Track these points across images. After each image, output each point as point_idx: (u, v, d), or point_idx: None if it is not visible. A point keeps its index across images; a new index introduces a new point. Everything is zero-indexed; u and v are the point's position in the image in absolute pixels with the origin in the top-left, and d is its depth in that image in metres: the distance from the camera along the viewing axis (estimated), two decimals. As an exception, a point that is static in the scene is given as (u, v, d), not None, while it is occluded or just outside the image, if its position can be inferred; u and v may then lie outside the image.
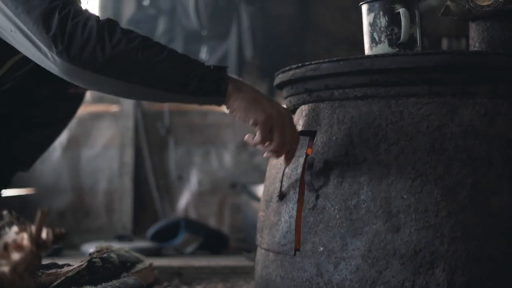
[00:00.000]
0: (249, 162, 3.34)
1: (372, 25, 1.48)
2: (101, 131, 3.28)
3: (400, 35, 1.45)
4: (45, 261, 1.52)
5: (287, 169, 1.49)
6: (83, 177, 3.25)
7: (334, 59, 1.42)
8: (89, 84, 1.37)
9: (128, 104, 3.26)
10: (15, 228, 1.16)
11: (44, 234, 1.13)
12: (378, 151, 1.35)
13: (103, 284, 1.47)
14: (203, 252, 2.80)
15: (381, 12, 1.47)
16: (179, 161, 3.32)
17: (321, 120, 1.44)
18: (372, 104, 1.38)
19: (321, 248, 1.36)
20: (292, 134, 1.40)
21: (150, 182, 3.27)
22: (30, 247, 1.12)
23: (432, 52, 1.35)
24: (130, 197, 3.22)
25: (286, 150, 1.40)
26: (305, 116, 1.49)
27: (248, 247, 2.71)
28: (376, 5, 1.47)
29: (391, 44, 1.46)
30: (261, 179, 2.66)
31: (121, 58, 1.30)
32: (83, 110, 3.20)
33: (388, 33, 1.46)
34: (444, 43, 3.19)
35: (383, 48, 1.47)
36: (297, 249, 1.41)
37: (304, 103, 1.52)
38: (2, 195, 2.02)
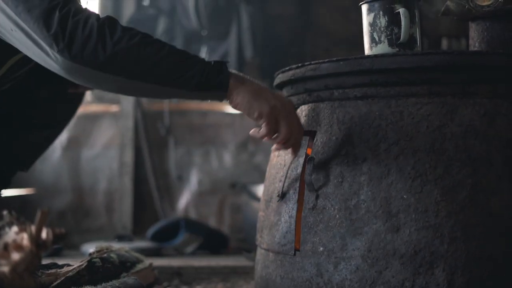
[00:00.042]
0: (249, 162, 3.34)
1: (372, 25, 1.48)
2: (101, 131, 3.28)
3: (400, 35, 1.45)
4: (45, 261, 1.52)
5: (287, 169, 1.49)
6: (83, 177, 3.25)
7: (334, 59, 1.42)
8: (91, 82, 1.38)
9: (128, 104, 3.26)
10: (15, 228, 1.16)
11: (44, 234, 1.13)
12: (378, 151, 1.35)
13: (103, 284, 1.47)
14: (203, 252, 2.80)
15: (381, 12, 1.47)
16: (179, 161, 3.32)
17: (321, 120, 1.44)
18: (372, 104, 1.38)
19: (321, 248, 1.36)
20: (297, 125, 1.40)
21: (150, 182, 3.27)
22: (30, 247, 1.12)
23: (432, 52, 1.35)
24: (130, 197, 3.22)
25: (294, 141, 1.40)
26: (305, 116, 1.49)
27: (248, 247, 2.71)
28: (376, 5, 1.47)
29: (391, 44, 1.46)
30: (261, 179, 2.66)
31: (123, 55, 1.30)
32: (83, 110, 3.20)
33: (388, 33, 1.46)
34: (444, 43, 3.20)
35: (383, 48, 1.47)
36: (297, 249, 1.41)
37: (304, 103, 1.52)
38: (2, 195, 2.02)
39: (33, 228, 1.13)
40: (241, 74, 1.41)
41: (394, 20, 1.45)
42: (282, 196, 1.47)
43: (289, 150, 1.44)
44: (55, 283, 1.42)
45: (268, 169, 1.62)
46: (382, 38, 1.47)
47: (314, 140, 1.43)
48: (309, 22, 3.43)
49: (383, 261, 1.30)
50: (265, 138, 1.39)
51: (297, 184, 1.43)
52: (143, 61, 1.32)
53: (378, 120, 1.36)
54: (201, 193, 3.31)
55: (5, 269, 1.12)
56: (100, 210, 3.24)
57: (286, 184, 1.47)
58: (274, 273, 1.47)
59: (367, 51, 1.52)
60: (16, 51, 1.55)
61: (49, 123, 1.96)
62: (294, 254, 1.41)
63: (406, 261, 1.29)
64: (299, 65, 1.49)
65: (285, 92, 1.61)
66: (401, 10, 1.44)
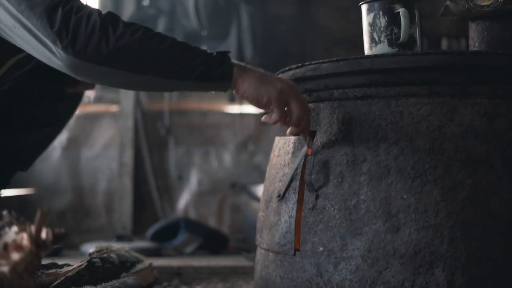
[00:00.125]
0: (249, 162, 3.34)
1: (372, 25, 1.48)
2: (101, 131, 3.28)
3: (400, 35, 1.45)
4: (45, 261, 1.52)
5: (287, 169, 1.49)
6: (83, 177, 3.25)
7: (334, 59, 1.42)
8: (95, 77, 1.38)
9: (128, 104, 3.26)
10: (15, 228, 1.16)
11: (43, 234, 1.13)
12: (378, 151, 1.35)
13: (103, 284, 1.47)
14: (202, 252, 2.80)
15: (380, 12, 1.47)
16: (179, 161, 3.32)
17: (321, 120, 1.44)
18: (372, 104, 1.38)
19: (321, 248, 1.36)
20: (306, 105, 1.40)
21: (150, 182, 3.27)
22: (30, 247, 1.12)
23: (432, 52, 1.35)
24: (130, 197, 3.22)
25: (306, 121, 1.40)
26: (305, 116, 1.49)
27: (247, 247, 2.71)
28: (376, 5, 1.47)
29: (390, 44, 1.46)
30: (260, 179, 2.66)
31: (125, 50, 1.31)
32: (83, 110, 3.21)
33: (388, 33, 1.46)
34: (444, 43, 3.20)
35: (382, 48, 1.47)
36: (296, 249, 1.41)
37: (304, 103, 1.52)
38: (2, 195, 2.02)
39: (33, 228, 1.13)
40: (243, 63, 1.41)
41: (394, 20, 1.46)
42: (282, 196, 1.47)
43: (290, 150, 1.43)
44: (55, 283, 1.42)
45: (268, 169, 1.62)
46: (382, 38, 1.47)
47: (314, 140, 1.43)
48: (309, 22, 3.42)
49: (383, 261, 1.30)
50: (278, 123, 1.39)
51: (297, 184, 1.43)
52: (145, 54, 1.33)
53: (378, 120, 1.36)
54: (201, 193, 3.31)
55: (5, 269, 1.12)
56: (100, 210, 3.24)
57: (286, 184, 1.47)
58: (274, 273, 1.47)
59: (367, 51, 1.52)
60: (16, 51, 1.55)
61: (50, 121, 1.96)
62: (294, 254, 1.41)
63: (406, 261, 1.29)
64: (299, 65, 1.49)
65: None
66: (401, 10, 1.44)
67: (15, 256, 1.12)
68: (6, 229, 1.17)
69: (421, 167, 1.31)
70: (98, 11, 1.34)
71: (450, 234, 1.28)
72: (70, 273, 1.46)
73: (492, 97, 1.36)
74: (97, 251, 1.64)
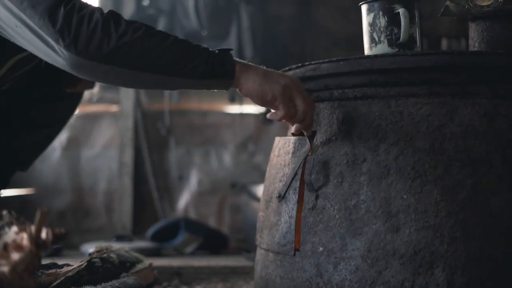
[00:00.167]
0: (249, 162, 3.34)
1: (372, 25, 1.48)
2: (101, 131, 3.28)
3: (400, 35, 1.45)
4: (44, 261, 1.52)
5: (287, 169, 1.49)
6: (83, 177, 3.25)
7: (334, 59, 1.42)
8: (98, 76, 1.38)
9: (128, 104, 3.26)
10: (14, 228, 1.16)
11: (43, 234, 1.13)
12: (378, 151, 1.35)
13: (103, 284, 1.47)
14: (202, 252, 2.80)
15: (380, 12, 1.47)
16: (179, 161, 3.32)
17: (321, 120, 1.44)
18: (371, 104, 1.38)
19: (321, 248, 1.36)
20: (310, 99, 1.40)
21: (150, 182, 3.27)
22: (30, 247, 1.12)
23: (432, 52, 1.35)
24: (130, 197, 3.21)
25: (311, 116, 1.39)
26: (305, 116, 1.49)
27: (247, 247, 2.71)
28: (376, 5, 1.47)
29: (390, 44, 1.46)
30: (261, 179, 2.65)
31: (128, 48, 1.31)
32: (83, 110, 3.21)
33: (388, 33, 1.46)
34: (444, 44, 3.20)
35: (382, 48, 1.47)
36: (296, 249, 1.41)
37: (304, 103, 1.52)
38: (2, 195, 2.02)
39: (32, 228, 1.13)
40: (245, 61, 1.41)
41: (393, 20, 1.46)
42: (282, 196, 1.47)
43: (290, 150, 1.43)
44: (54, 283, 1.42)
45: (268, 169, 1.62)
46: (382, 38, 1.47)
47: (314, 140, 1.43)
48: (309, 22, 3.42)
49: (382, 261, 1.30)
50: (284, 119, 1.38)
51: (297, 184, 1.43)
52: (147, 52, 1.33)
53: (378, 120, 1.36)
54: (201, 193, 3.31)
55: (5, 269, 1.12)
56: (100, 210, 3.24)
57: (286, 184, 1.47)
58: (273, 273, 1.47)
59: (367, 51, 1.52)
60: (16, 51, 1.55)
61: (49, 121, 1.97)
62: (294, 254, 1.41)
63: (406, 261, 1.29)
64: (299, 65, 1.49)
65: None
66: (401, 10, 1.44)
67: (15, 256, 1.12)
68: (6, 229, 1.17)
69: (421, 167, 1.31)
70: (100, 9, 1.34)
71: (450, 234, 1.28)
72: (70, 273, 1.46)
73: (492, 97, 1.36)
74: (97, 251, 1.64)
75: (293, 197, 1.44)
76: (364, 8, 1.50)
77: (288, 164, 1.48)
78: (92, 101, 3.21)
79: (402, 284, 1.28)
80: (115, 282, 1.51)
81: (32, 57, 1.59)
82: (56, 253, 2.55)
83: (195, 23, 3.22)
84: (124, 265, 1.68)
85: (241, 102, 3.26)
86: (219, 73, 1.36)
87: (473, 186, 1.30)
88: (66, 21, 1.30)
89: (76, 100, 1.99)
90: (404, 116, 1.35)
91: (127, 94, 3.25)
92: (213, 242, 2.85)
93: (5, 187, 1.99)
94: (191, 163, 3.32)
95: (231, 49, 1.40)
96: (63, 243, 2.67)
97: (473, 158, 1.31)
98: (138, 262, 1.77)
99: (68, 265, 1.52)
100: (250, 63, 1.41)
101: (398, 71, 1.36)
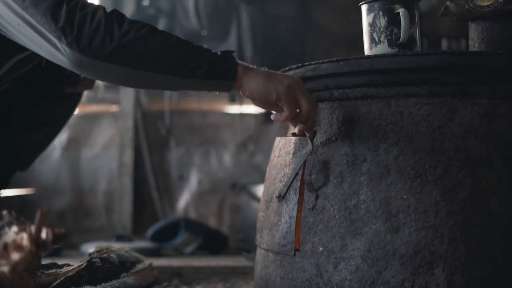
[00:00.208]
0: (249, 162, 3.34)
1: (372, 25, 1.48)
2: (101, 131, 3.28)
3: (400, 35, 1.45)
4: (44, 261, 1.52)
5: (287, 170, 1.49)
6: (83, 177, 3.25)
7: (334, 59, 1.42)
8: (100, 74, 1.38)
9: (128, 104, 3.26)
10: (14, 228, 1.16)
11: (43, 234, 1.13)
12: (378, 151, 1.35)
13: (103, 284, 1.47)
14: (202, 252, 2.80)
15: (380, 12, 1.47)
16: (179, 161, 3.32)
17: (321, 120, 1.44)
18: (371, 104, 1.38)
19: (321, 248, 1.36)
20: (312, 98, 1.40)
21: (150, 182, 3.27)
22: (30, 247, 1.12)
23: (432, 52, 1.35)
24: (130, 197, 3.22)
25: (314, 115, 1.39)
26: (305, 116, 1.49)
27: (247, 247, 2.71)
28: (376, 5, 1.47)
29: (390, 44, 1.46)
30: (260, 179, 2.66)
31: (130, 46, 1.31)
32: (83, 110, 3.21)
33: (388, 33, 1.46)
34: (444, 44, 3.20)
35: (382, 48, 1.47)
36: (296, 249, 1.41)
37: (304, 103, 1.52)
38: (2, 195, 2.02)
39: (32, 228, 1.13)
40: (246, 63, 1.40)
41: (393, 20, 1.46)
42: (283, 196, 1.47)
43: (291, 150, 1.43)
44: (54, 283, 1.42)
45: (268, 169, 1.62)
46: (382, 39, 1.47)
47: (314, 140, 1.43)
48: (309, 22, 3.42)
49: (382, 261, 1.30)
50: (288, 120, 1.38)
51: (298, 185, 1.43)
52: (150, 51, 1.33)
53: (378, 120, 1.36)
54: (200, 193, 3.31)
55: (5, 269, 1.12)
56: (100, 210, 3.24)
57: (286, 185, 1.47)
58: (273, 273, 1.47)
59: (367, 51, 1.52)
60: (16, 51, 1.55)
61: (49, 121, 1.96)
62: (294, 255, 1.41)
63: (406, 261, 1.29)
64: (299, 65, 1.49)
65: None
66: (401, 11, 1.44)
67: (15, 256, 1.12)
68: (6, 229, 1.17)
69: (421, 167, 1.31)
70: (103, 8, 1.34)
71: (450, 234, 1.28)
72: (70, 273, 1.46)
73: (492, 97, 1.36)
74: (97, 251, 1.64)
75: (293, 197, 1.44)
76: (364, 8, 1.50)
77: (289, 164, 1.48)
78: (96, 100, 3.21)
79: (402, 284, 1.28)
80: (115, 282, 1.51)
81: (32, 57, 1.59)
82: (56, 253, 2.55)
83: (195, 23, 3.22)
84: (124, 265, 1.68)
85: (241, 102, 3.26)
86: (221, 74, 1.35)
87: (473, 186, 1.30)
88: (69, 19, 1.30)
89: (75, 99, 1.99)
90: (404, 116, 1.35)
91: (127, 94, 3.25)
92: (213, 242, 2.85)
93: (5, 187, 1.99)
94: (191, 163, 3.32)
95: (234, 51, 1.40)
96: (63, 243, 2.67)
97: (473, 158, 1.31)
98: (138, 262, 1.77)
99: (68, 265, 1.52)
100: (251, 65, 1.40)
101: (398, 71, 1.36)
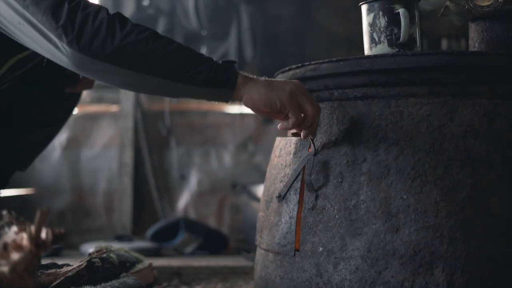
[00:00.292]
0: (249, 162, 3.34)
1: (372, 25, 1.48)
2: (101, 131, 3.28)
3: (400, 36, 1.45)
4: (44, 261, 1.52)
5: (288, 170, 1.49)
6: (83, 177, 3.25)
7: (334, 59, 1.42)
8: (99, 75, 1.37)
9: (128, 104, 3.26)
10: (14, 228, 1.16)
11: (43, 234, 1.13)
12: (377, 151, 1.35)
13: (103, 284, 1.47)
14: (202, 252, 2.80)
15: (380, 12, 1.47)
16: (179, 161, 3.32)
17: (321, 120, 1.44)
18: (371, 104, 1.38)
19: (321, 248, 1.36)
20: (317, 103, 1.39)
21: (149, 182, 3.27)
22: (30, 247, 1.12)
23: (432, 52, 1.35)
24: (129, 197, 3.22)
25: (318, 119, 1.38)
26: (305, 116, 1.49)
27: (247, 247, 2.71)
28: (376, 5, 1.47)
29: (390, 44, 1.46)
30: (261, 179, 2.66)
31: (131, 48, 1.31)
32: (83, 110, 3.21)
33: (388, 33, 1.46)
34: (444, 44, 3.20)
35: (382, 48, 1.47)
36: (296, 250, 1.41)
37: (303, 103, 1.52)
38: (2, 195, 2.02)
39: (32, 228, 1.13)
40: (247, 73, 1.40)
41: (393, 20, 1.45)
42: (283, 196, 1.47)
43: (291, 150, 1.43)
44: (54, 283, 1.42)
45: (268, 169, 1.62)
46: (382, 39, 1.47)
47: (314, 140, 1.43)
48: (309, 22, 3.42)
49: (382, 261, 1.30)
50: (295, 126, 1.36)
51: (298, 185, 1.43)
52: (151, 54, 1.32)
53: (378, 120, 1.36)
54: (200, 193, 3.31)
55: (5, 269, 1.12)
56: (99, 210, 3.24)
57: (287, 185, 1.47)
58: (273, 273, 1.47)
59: (366, 51, 1.52)
60: (16, 51, 1.55)
61: (49, 121, 1.96)
62: (294, 255, 1.41)
63: (406, 261, 1.29)
64: (299, 65, 1.49)
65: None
66: (401, 11, 1.44)
67: (15, 256, 1.12)
68: (6, 229, 1.17)
69: (421, 167, 1.31)
70: (106, 9, 1.34)
71: (450, 234, 1.28)
72: (69, 273, 1.46)
73: (492, 97, 1.36)
74: (97, 251, 1.64)
75: (293, 197, 1.44)
76: (364, 8, 1.50)
77: (289, 165, 1.48)
78: (96, 100, 3.21)
79: (402, 284, 1.28)
80: (115, 282, 1.51)
81: (32, 57, 1.59)
82: (56, 253, 2.55)
83: (195, 23, 3.22)
84: (124, 265, 1.68)
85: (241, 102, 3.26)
86: (221, 82, 1.34)
87: (473, 186, 1.30)
88: (70, 18, 1.30)
89: (75, 99, 1.99)
90: (404, 116, 1.35)
91: (127, 94, 3.25)
92: (213, 242, 2.85)
93: (4, 187, 1.99)
94: (191, 163, 3.33)
95: (235, 61, 1.40)
96: (63, 243, 2.67)
97: (473, 158, 1.31)
98: (138, 262, 1.77)
99: (68, 265, 1.52)
100: (252, 76, 1.39)
101: (398, 71, 1.36)
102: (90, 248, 2.26)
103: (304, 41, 3.42)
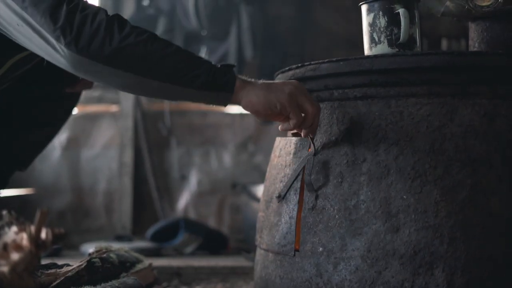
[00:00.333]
0: (249, 162, 3.34)
1: (372, 25, 1.48)
2: (100, 131, 3.28)
3: (400, 36, 1.45)
4: (44, 261, 1.52)
5: (288, 170, 1.49)
6: (82, 177, 3.25)
7: (334, 59, 1.42)
8: (97, 76, 1.37)
9: (128, 104, 3.26)
10: (14, 228, 1.16)
11: (43, 234, 1.13)
12: (377, 151, 1.35)
13: (103, 284, 1.47)
14: (202, 253, 2.80)
15: (380, 13, 1.47)
16: (179, 161, 3.32)
17: (321, 120, 1.44)
18: (371, 105, 1.38)
19: (321, 249, 1.36)
20: (317, 103, 1.39)
21: (149, 182, 3.27)
22: (30, 247, 1.12)
23: (432, 52, 1.35)
24: (129, 197, 3.22)
25: (318, 118, 1.38)
26: (305, 116, 1.49)
27: (247, 247, 2.71)
28: (376, 5, 1.47)
29: (390, 44, 1.46)
30: (260, 179, 2.65)
31: (129, 50, 1.30)
32: (83, 110, 3.21)
33: (388, 33, 1.46)
34: (444, 44, 3.20)
35: (382, 48, 1.47)
36: (296, 250, 1.41)
37: (303, 103, 1.52)
38: (2, 195, 2.02)
39: (32, 228, 1.13)
40: (245, 77, 1.39)
41: (393, 20, 1.45)
42: (283, 197, 1.47)
43: (291, 151, 1.43)
44: (54, 283, 1.42)
45: (268, 169, 1.62)
46: (382, 39, 1.47)
47: (314, 140, 1.43)
48: (309, 22, 3.42)
49: (382, 261, 1.30)
50: (297, 127, 1.36)
51: (298, 185, 1.43)
52: (150, 56, 1.32)
53: (378, 120, 1.36)
54: (200, 193, 3.31)
55: (5, 269, 1.12)
56: (99, 210, 3.24)
57: (287, 185, 1.47)
58: (273, 274, 1.47)
59: (366, 51, 1.52)
60: (16, 51, 1.54)
61: (49, 121, 1.96)
62: (294, 255, 1.41)
63: (406, 262, 1.29)
64: (299, 65, 1.49)
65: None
66: (401, 11, 1.44)
67: (15, 256, 1.12)
68: (6, 229, 1.17)
69: (421, 167, 1.31)
70: (105, 11, 1.34)
71: (450, 234, 1.28)
72: (69, 273, 1.46)
73: (492, 97, 1.36)
74: (97, 251, 1.64)
75: (293, 197, 1.44)
76: (364, 8, 1.50)
77: (289, 165, 1.48)
78: (96, 100, 3.21)
79: (402, 284, 1.28)
80: (115, 282, 1.51)
81: (32, 57, 1.59)
82: (56, 253, 2.55)
83: (195, 23, 3.22)
84: (124, 265, 1.68)
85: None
86: (219, 86, 1.34)
87: (473, 186, 1.30)
88: (68, 19, 1.30)
89: (75, 99, 1.99)
90: (404, 116, 1.35)
91: (127, 94, 3.24)
92: (213, 242, 2.85)
93: (4, 187, 1.99)
94: (191, 163, 3.32)
95: (234, 65, 1.39)
96: (63, 243, 2.67)
97: (473, 158, 1.31)
98: (138, 262, 1.77)
99: (68, 265, 1.52)
100: (250, 79, 1.39)
101: (398, 71, 1.36)
102: (90, 248, 2.26)
103: (304, 41, 3.42)
